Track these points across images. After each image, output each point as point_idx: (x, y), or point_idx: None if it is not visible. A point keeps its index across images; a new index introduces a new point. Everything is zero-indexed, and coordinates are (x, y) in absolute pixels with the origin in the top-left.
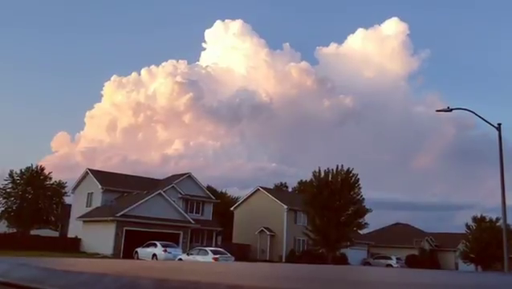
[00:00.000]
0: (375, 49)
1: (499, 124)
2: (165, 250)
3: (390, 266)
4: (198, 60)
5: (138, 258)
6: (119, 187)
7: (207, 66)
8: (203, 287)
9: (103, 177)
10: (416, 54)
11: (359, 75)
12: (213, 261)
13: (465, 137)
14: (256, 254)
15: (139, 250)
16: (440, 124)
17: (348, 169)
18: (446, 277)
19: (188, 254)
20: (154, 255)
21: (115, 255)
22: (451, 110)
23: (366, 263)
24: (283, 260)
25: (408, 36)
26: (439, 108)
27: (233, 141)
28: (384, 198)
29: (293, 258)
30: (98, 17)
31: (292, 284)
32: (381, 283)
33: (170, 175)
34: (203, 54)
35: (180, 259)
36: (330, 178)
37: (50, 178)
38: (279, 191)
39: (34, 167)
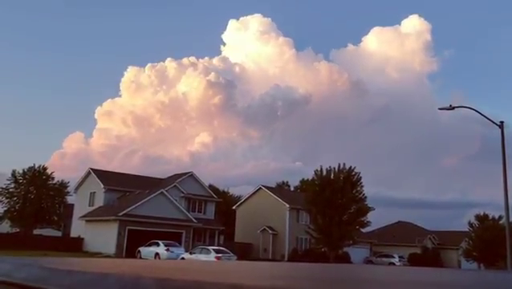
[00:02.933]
0: (396, 48)
1: (501, 122)
2: (168, 249)
3: (393, 264)
4: (220, 57)
5: (140, 258)
6: (122, 186)
7: (234, 63)
8: (206, 287)
9: (105, 176)
10: (439, 53)
11: (380, 74)
12: (215, 260)
13: (482, 136)
14: (258, 253)
15: (141, 249)
16: (457, 123)
17: (350, 168)
18: (449, 275)
19: (190, 253)
20: (157, 254)
21: (117, 254)
22: (453, 108)
23: (368, 262)
24: (286, 259)
25: (430, 35)
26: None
27: (257, 140)
28: (395, 197)
29: (295, 256)
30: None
31: (295, 283)
32: (384, 282)
33: (172, 174)
34: (224, 52)
35: (183, 258)
36: (332, 177)
37: (53, 178)
38: (281, 190)
39: (36, 167)
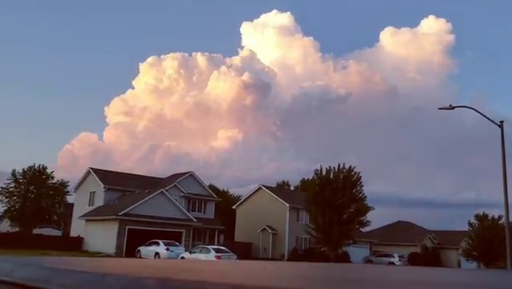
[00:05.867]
0: (418, 49)
1: (501, 122)
2: (168, 249)
3: (392, 263)
4: (241, 56)
5: (140, 257)
6: (122, 186)
7: (256, 62)
8: (207, 287)
9: (105, 175)
10: (460, 54)
11: (402, 75)
12: (215, 259)
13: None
14: (258, 253)
15: (141, 248)
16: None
17: (350, 167)
18: (449, 275)
19: (190, 253)
20: (156, 254)
21: (117, 254)
22: (453, 108)
23: (368, 261)
24: (285, 258)
25: (451, 36)
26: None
27: (278, 141)
28: (400, 196)
29: (295, 256)
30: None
31: (295, 283)
32: (384, 282)
33: (172, 174)
34: (245, 50)
35: (183, 258)
36: (332, 176)
37: (53, 177)
38: (281, 189)
39: (36, 166)
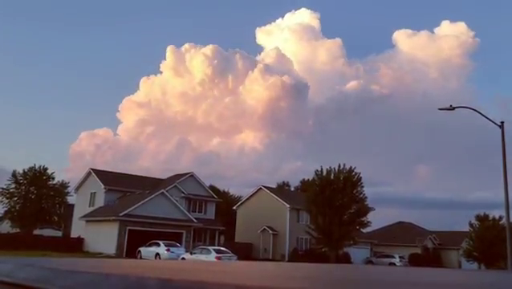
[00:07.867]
0: (437, 52)
1: (502, 122)
2: (168, 250)
3: (393, 264)
4: (259, 56)
5: (141, 258)
6: (122, 187)
7: (280, 63)
8: (208, 287)
9: (105, 176)
10: (480, 56)
11: (420, 77)
12: (215, 260)
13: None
14: (258, 253)
15: (142, 249)
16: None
17: (351, 168)
18: (449, 275)
19: (191, 254)
20: (157, 254)
21: (117, 255)
22: (453, 108)
23: (369, 262)
24: (286, 259)
25: (470, 39)
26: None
27: (302, 143)
28: (406, 197)
29: (296, 256)
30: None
31: (296, 284)
32: (384, 282)
33: (172, 175)
34: (266, 51)
35: (183, 258)
36: (332, 177)
37: (53, 178)
38: (282, 190)
39: (37, 167)
